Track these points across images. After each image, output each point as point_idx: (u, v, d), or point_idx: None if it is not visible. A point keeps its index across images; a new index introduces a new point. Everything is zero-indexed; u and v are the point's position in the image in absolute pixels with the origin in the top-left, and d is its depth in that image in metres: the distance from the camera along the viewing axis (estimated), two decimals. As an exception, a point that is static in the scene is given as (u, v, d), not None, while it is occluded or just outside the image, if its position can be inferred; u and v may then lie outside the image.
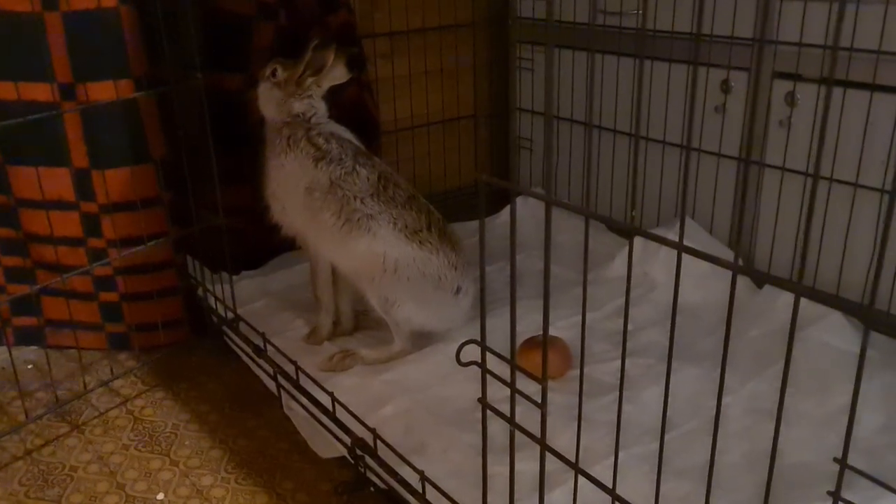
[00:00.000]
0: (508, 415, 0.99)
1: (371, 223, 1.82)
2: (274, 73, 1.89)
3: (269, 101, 1.92)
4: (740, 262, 2.19)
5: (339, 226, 1.82)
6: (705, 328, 1.94)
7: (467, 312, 1.93)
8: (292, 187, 1.87)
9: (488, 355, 0.99)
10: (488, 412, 1.03)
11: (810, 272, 2.05)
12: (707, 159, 2.24)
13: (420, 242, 1.84)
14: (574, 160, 2.65)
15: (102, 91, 1.86)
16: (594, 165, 2.55)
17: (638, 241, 2.24)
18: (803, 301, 0.74)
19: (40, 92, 1.83)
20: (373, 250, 1.81)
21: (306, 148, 1.85)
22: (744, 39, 2.05)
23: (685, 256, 0.81)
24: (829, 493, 0.65)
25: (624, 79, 2.41)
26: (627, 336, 2.01)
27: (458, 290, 1.90)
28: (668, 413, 1.64)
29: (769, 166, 2.10)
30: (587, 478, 1.01)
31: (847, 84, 1.88)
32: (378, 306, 1.87)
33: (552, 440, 1.06)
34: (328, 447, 1.64)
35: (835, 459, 0.65)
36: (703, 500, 1.32)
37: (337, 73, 1.92)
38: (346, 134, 1.93)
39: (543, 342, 0.93)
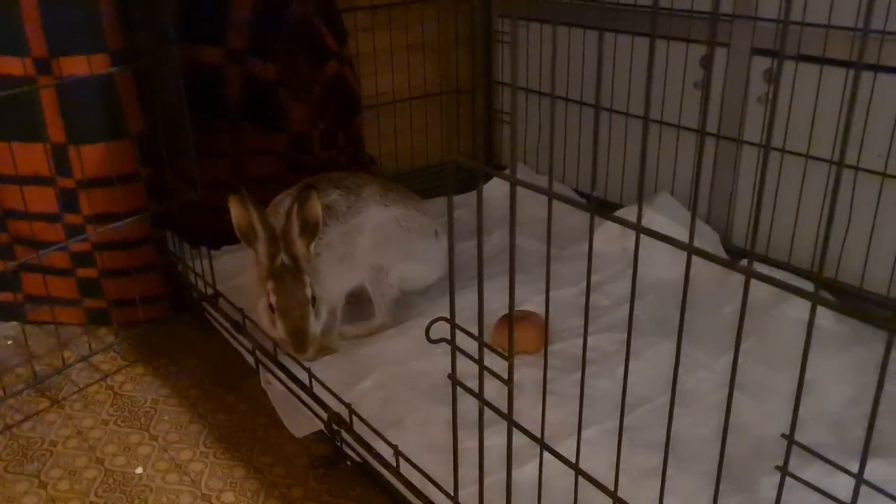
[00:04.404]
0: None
1: (365, 210, 1.88)
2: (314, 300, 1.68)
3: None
4: (719, 240, 2.20)
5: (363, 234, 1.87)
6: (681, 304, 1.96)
7: (446, 256, 2.01)
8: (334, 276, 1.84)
9: (461, 332, 1.00)
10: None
11: (796, 250, 2.07)
12: (686, 135, 2.25)
13: (393, 202, 1.92)
14: (543, 133, 2.66)
15: (77, 66, 1.83)
16: (561, 138, 2.56)
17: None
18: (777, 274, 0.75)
19: (13, 66, 1.81)
20: (367, 229, 1.88)
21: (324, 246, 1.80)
22: (723, 15, 2.05)
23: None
24: (777, 468, 0.67)
25: (605, 54, 2.40)
26: (603, 311, 2.04)
27: (436, 233, 2.01)
28: (641, 387, 1.67)
29: (747, 143, 2.11)
30: (552, 453, 1.03)
31: (825, 61, 1.89)
32: (371, 280, 1.89)
33: (525, 415, 1.07)
34: (302, 426, 1.66)
35: (783, 435, 0.66)
36: (674, 472, 1.35)
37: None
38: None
39: (509, 320, 0.95)
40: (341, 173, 1.97)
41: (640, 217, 0.72)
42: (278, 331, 1.69)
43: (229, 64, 2.22)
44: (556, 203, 0.86)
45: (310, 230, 1.67)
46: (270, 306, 1.68)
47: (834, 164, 1.92)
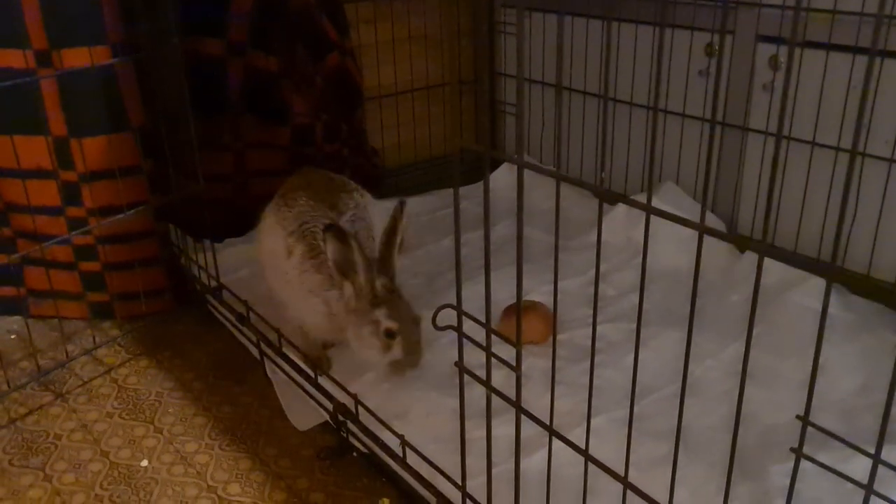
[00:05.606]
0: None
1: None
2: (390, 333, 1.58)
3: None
4: (725, 229, 2.19)
5: None
6: (688, 293, 1.94)
7: None
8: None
9: (468, 322, 0.99)
10: (467, 376, 1.04)
11: (802, 238, 2.06)
12: (691, 124, 2.24)
13: (354, 186, 1.88)
14: (546, 125, 2.64)
15: (78, 57, 1.82)
16: (565, 129, 2.55)
17: (622, 206, 2.26)
18: (784, 265, 0.75)
19: (14, 58, 1.80)
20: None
21: None
22: (728, 2, 2.04)
23: (666, 222, 0.81)
24: (791, 449, 0.66)
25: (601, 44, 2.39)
26: (609, 301, 2.02)
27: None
28: (648, 377, 1.66)
29: (752, 131, 2.10)
30: (562, 440, 1.02)
31: (831, 47, 1.87)
32: None
33: (533, 404, 1.06)
34: (306, 419, 1.65)
35: (797, 417, 0.65)
36: (682, 461, 1.34)
37: None
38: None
39: (517, 308, 0.94)
40: (297, 179, 1.88)
41: (650, 197, 0.71)
42: (393, 354, 1.59)
43: (230, 56, 2.21)
44: (561, 195, 0.85)
45: (401, 247, 1.64)
46: (388, 332, 1.57)
47: (840, 151, 1.91)
